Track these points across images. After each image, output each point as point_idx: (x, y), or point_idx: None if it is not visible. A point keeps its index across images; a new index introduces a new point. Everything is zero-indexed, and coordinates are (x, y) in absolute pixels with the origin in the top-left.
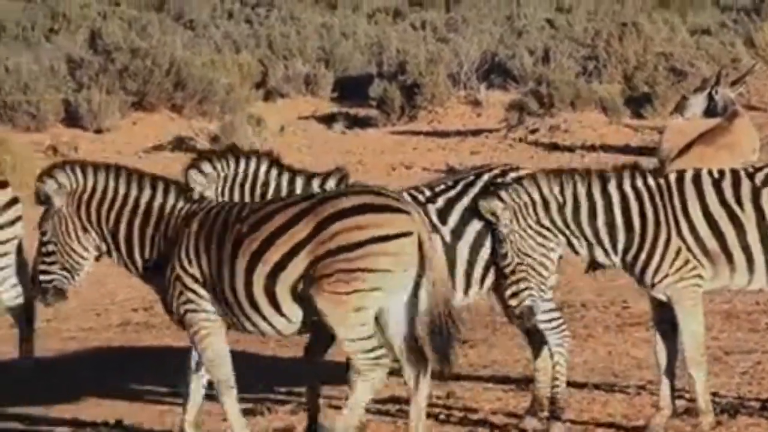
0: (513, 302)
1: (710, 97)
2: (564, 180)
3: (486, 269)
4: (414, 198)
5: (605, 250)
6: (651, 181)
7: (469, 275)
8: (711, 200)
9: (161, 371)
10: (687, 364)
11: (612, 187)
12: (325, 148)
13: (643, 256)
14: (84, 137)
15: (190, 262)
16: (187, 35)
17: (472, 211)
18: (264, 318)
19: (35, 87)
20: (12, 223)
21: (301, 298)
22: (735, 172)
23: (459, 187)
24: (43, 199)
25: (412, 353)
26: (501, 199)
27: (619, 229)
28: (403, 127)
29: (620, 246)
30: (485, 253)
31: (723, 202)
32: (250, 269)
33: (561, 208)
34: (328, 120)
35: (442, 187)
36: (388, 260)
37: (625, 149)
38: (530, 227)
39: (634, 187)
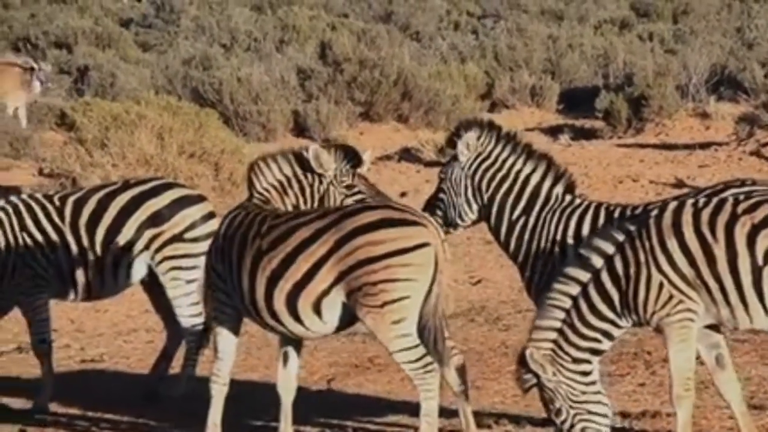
0: None
1: None
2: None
3: None
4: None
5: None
6: None
7: None
8: None
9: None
10: (671, 399)
11: None
12: None
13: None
14: None
15: (218, 260)
16: (414, 46)
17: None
18: (283, 325)
19: (266, 97)
20: (207, 236)
21: (322, 311)
22: None
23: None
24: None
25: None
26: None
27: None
28: (629, 139)
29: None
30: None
31: None
32: (272, 284)
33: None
34: (553, 131)
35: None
36: (410, 270)
37: None
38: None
39: None
